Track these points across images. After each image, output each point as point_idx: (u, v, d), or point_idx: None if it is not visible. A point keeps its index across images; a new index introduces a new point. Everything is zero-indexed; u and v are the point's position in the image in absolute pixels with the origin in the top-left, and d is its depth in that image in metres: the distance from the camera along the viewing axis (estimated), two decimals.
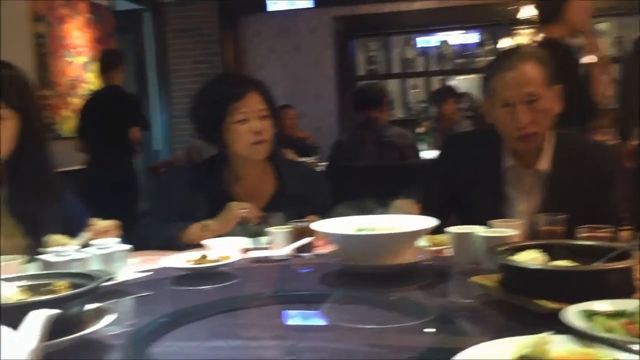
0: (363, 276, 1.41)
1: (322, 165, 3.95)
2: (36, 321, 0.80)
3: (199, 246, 1.78)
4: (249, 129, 1.97)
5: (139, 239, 1.60)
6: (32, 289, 1.07)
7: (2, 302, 0.96)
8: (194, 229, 1.89)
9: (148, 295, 1.39)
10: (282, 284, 1.58)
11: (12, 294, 1.01)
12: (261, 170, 2.10)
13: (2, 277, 1.06)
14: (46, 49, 4.56)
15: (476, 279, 1.21)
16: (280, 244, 1.72)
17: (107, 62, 4.55)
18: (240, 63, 6.25)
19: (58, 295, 0.98)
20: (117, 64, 4.57)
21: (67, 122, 4.72)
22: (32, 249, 1.70)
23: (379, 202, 1.74)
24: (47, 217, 1.77)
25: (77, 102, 4.80)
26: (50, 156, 1.84)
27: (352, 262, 1.43)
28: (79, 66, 4.98)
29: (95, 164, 4.43)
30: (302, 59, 6.26)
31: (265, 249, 1.77)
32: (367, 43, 6.73)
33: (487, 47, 6.60)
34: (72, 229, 1.76)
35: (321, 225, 1.49)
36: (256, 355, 1.03)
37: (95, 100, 4.53)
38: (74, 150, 4.46)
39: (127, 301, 1.33)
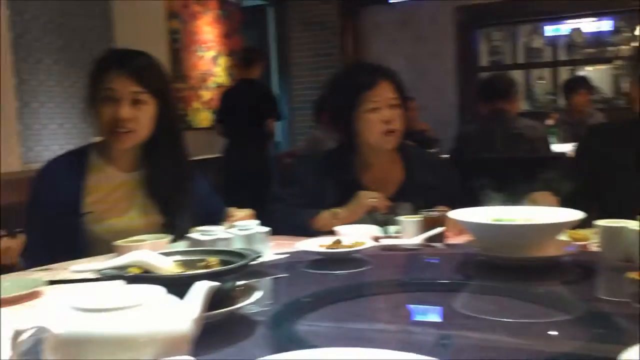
0: (501, 268, 1.36)
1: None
2: (199, 292, 0.84)
3: (327, 233, 1.81)
4: (380, 118, 1.98)
5: (270, 223, 1.64)
6: (186, 264, 1.13)
7: (164, 274, 1.02)
8: (324, 216, 1.92)
9: (285, 276, 1.43)
10: (416, 272, 1.57)
11: (170, 267, 1.07)
12: (390, 160, 2.10)
13: (159, 252, 1.12)
14: (180, 45, 4.82)
15: (632, 274, 1.13)
16: (410, 233, 1.71)
17: (248, 58, 4.80)
18: (360, 55, 6.27)
19: (221, 268, 1.03)
20: (258, 60, 4.84)
21: (198, 113, 4.97)
22: (166, 227, 1.82)
23: (510, 195, 1.68)
24: (180, 197, 1.88)
25: (206, 94, 5.04)
26: (184, 141, 1.96)
27: (490, 253, 1.39)
28: (209, 60, 5.22)
29: (231, 152, 4.69)
30: (422, 50, 6.17)
31: (394, 237, 1.77)
32: (490, 33, 6.51)
33: (623, 35, 6.17)
34: (209, 214, 1.87)
35: (459, 215, 1.46)
36: (401, 339, 1.03)
37: (233, 92, 4.79)
38: (206, 139, 4.71)
39: (266, 281, 1.38)
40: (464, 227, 1.50)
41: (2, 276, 1.45)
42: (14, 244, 1.50)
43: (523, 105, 6.50)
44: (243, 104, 4.62)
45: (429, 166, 2.11)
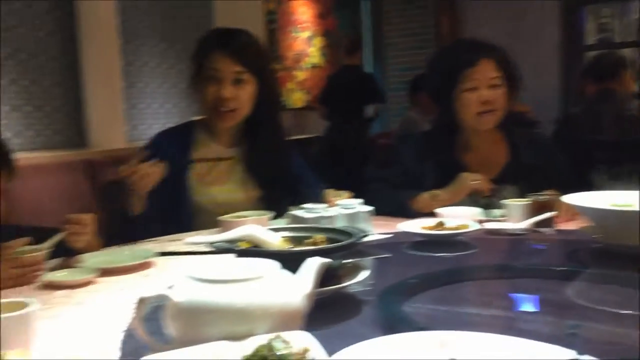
0: (619, 256, 1.28)
1: None
2: (311, 268, 0.84)
3: (427, 214, 1.77)
4: (477, 98, 1.91)
5: (370, 204, 1.62)
6: (292, 240, 1.13)
7: (274, 249, 1.03)
8: (424, 197, 1.87)
9: (388, 257, 1.40)
10: (524, 258, 1.50)
11: (278, 242, 1.08)
12: (493, 140, 2.02)
13: (267, 228, 1.13)
14: (276, 25, 4.87)
15: None
16: (516, 217, 1.64)
17: (351, 45, 5.11)
18: (456, 34, 6.08)
19: (333, 245, 1.03)
20: (359, 47, 5.22)
21: (292, 94, 5.02)
22: (264, 201, 1.88)
23: (622, 179, 1.57)
24: (277, 173, 1.92)
25: (301, 75, 5.08)
26: (281, 120, 1.99)
27: (609, 240, 1.31)
28: (303, 41, 5.25)
29: (333, 133, 4.94)
30: (522, 28, 5.89)
31: (498, 221, 1.70)
32: (599, 9, 6.12)
33: None
34: (305, 192, 1.89)
35: (574, 199, 1.38)
36: (515, 326, 0.99)
37: (337, 77, 5.08)
38: (300, 119, 4.76)
39: (369, 261, 1.36)
40: (581, 212, 1.41)
41: (120, 247, 1.53)
42: (152, 171, 1.58)
43: (634, 86, 6.09)
44: (347, 89, 4.87)
45: (535, 147, 2.02)
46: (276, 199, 1.85)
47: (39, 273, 1.24)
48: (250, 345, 0.71)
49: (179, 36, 4.24)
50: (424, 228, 1.54)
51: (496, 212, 1.77)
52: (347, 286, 1.02)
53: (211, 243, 1.03)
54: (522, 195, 1.78)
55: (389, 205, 1.87)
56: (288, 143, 2.03)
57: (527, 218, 1.61)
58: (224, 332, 0.73)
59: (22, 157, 2.93)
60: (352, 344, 0.73)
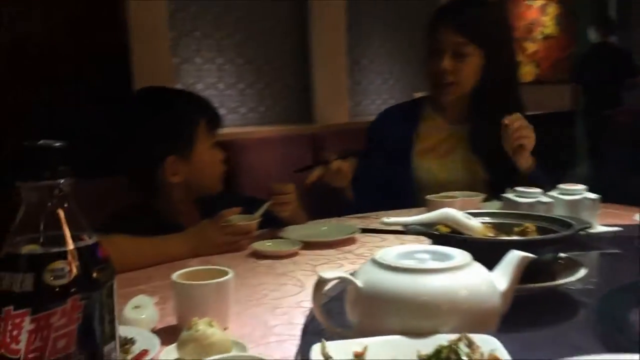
0: None
1: None
2: (512, 262, 0.73)
3: None
4: None
5: (596, 189, 1.40)
6: (498, 227, 1.02)
7: (473, 236, 0.93)
8: None
9: (616, 253, 1.21)
10: None
11: (480, 229, 0.98)
12: None
13: (470, 211, 1.03)
14: None
15: None
16: None
17: (610, 25, 5.22)
18: None
19: (540, 237, 0.91)
20: (617, 27, 5.32)
21: (522, 67, 4.69)
22: (488, 184, 1.75)
23: None
24: (503, 154, 1.76)
25: (531, 47, 4.72)
26: (517, 97, 1.82)
27: None
28: (537, 9, 4.86)
29: (590, 113, 4.98)
30: None
31: None
32: None
33: None
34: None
35: None
36: None
37: (593, 55, 5.15)
38: (528, 95, 4.45)
39: (593, 256, 1.19)
40: None
41: (322, 221, 1.54)
42: (345, 166, 1.58)
43: None
44: (603, 67, 4.95)
45: None
46: (501, 180, 1.70)
47: (248, 241, 1.30)
48: (432, 343, 0.63)
49: (404, 15, 4.21)
50: None
51: None
52: (558, 285, 0.89)
53: (406, 225, 0.96)
54: None
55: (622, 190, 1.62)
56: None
57: None
58: (405, 326, 0.66)
59: (254, 130, 3.18)
60: (559, 356, 0.62)
